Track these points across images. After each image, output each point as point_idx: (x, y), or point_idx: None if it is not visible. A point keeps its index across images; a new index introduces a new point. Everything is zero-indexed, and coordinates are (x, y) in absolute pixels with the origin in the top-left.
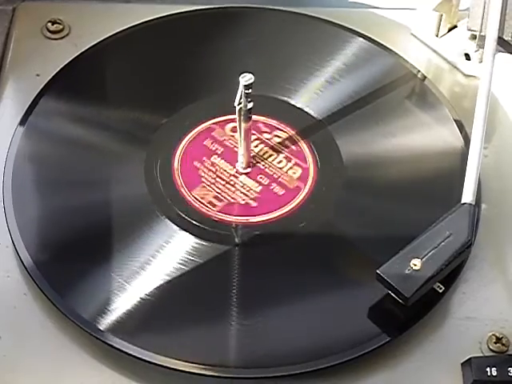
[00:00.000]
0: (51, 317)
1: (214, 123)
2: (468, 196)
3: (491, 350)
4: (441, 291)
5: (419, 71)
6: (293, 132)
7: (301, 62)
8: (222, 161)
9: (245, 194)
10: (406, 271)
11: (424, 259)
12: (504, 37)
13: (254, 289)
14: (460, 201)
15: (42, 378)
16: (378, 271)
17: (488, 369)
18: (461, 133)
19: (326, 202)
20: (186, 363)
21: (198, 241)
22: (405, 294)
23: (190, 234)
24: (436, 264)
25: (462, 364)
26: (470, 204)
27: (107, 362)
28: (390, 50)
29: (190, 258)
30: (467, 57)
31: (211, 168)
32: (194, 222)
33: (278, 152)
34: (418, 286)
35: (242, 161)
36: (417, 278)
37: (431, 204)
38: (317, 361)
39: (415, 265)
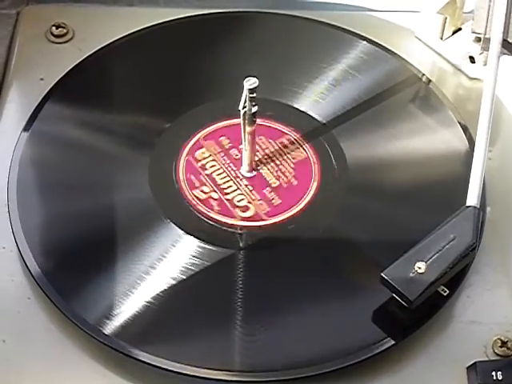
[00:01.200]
0: (55, 321)
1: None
2: (472, 199)
3: (496, 353)
4: (445, 294)
5: (423, 74)
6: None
7: (305, 66)
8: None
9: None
10: (411, 274)
11: (428, 262)
12: (509, 39)
13: (259, 293)
14: (464, 204)
15: (46, 381)
16: (382, 274)
17: (493, 373)
18: (465, 136)
19: (331, 206)
20: (191, 367)
21: (202, 245)
22: (409, 297)
23: (195, 237)
24: (440, 267)
25: (467, 368)
26: (475, 207)
27: (111, 366)
28: (394, 53)
29: (195, 262)
30: (471, 59)
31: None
32: (199, 226)
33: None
34: (423, 289)
35: (246, 165)
36: (421, 281)
37: (436, 207)
38: (321, 365)
39: (419, 268)
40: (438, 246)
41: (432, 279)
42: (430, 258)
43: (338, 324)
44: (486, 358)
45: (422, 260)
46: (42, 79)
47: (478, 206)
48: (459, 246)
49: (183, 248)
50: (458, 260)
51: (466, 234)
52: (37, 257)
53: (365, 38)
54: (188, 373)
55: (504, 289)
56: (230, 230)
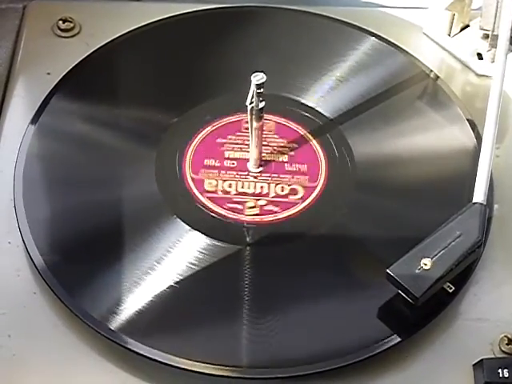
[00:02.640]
0: (61, 316)
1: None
2: (479, 196)
3: (503, 351)
4: (451, 291)
5: (431, 71)
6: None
7: (313, 62)
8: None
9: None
10: (416, 271)
11: (434, 259)
12: None
13: (265, 289)
14: (471, 201)
15: (51, 376)
16: (388, 271)
17: (500, 370)
18: (473, 132)
19: (338, 202)
20: (196, 363)
21: (208, 240)
22: (415, 293)
23: (201, 233)
24: (446, 264)
25: (474, 366)
26: (481, 204)
27: (117, 361)
28: (402, 49)
29: (201, 257)
30: (479, 56)
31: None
32: (205, 222)
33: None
34: (428, 285)
35: (253, 160)
36: (427, 277)
37: (443, 204)
38: (326, 362)
39: (425, 264)
40: (444, 242)
41: (438, 276)
42: (436, 254)
43: (343, 321)
44: (493, 356)
45: (428, 256)
46: (48, 73)
47: (485, 203)
48: (465, 243)
49: (189, 243)
50: (463, 257)
51: (472, 230)
52: (43, 252)
53: (373, 34)
54: (194, 369)
55: (511, 286)
56: (236, 225)
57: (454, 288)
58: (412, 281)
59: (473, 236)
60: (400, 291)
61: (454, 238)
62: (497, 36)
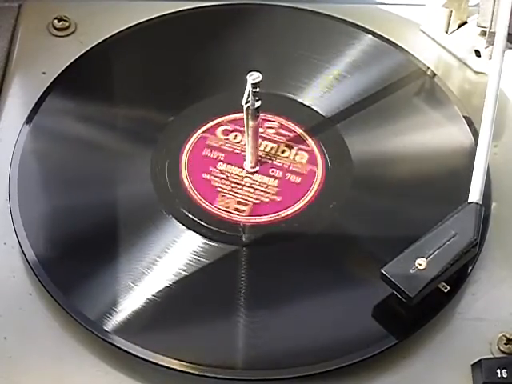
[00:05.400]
0: (56, 317)
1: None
2: (475, 195)
3: (501, 351)
4: (446, 291)
5: (428, 68)
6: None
7: (309, 60)
8: (229, 166)
9: (265, 191)
10: (411, 271)
11: (429, 259)
12: None
13: (260, 290)
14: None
15: (47, 378)
16: (382, 270)
17: (498, 370)
18: (470, 130)
19: (334, 201)
20: (192, 364)
21: (204, 241)
22: (409, 293)
23: (197, 233)
24: (441, 264)
25: (472, 365)
26: (477, 203)
27: (113, 362)
28: (399, 46)
29: (197, 258)
30: (477, 53)
31: (222, 176)
32: (201, 222)
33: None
34: (423, 285)
35: (249, 160)
36: (421, 277)
37: (440, 202)
38: (323, 363)
39: (420, 264)
40: (439, 242)
41: (432, 276)
42: (431, 254)
43: (340, 322)
44: (491, 356)
45: (423, 256)
46: (43, 73)
47: (480, 203)
48: (460, 243)
49: (185, 244)
50: (458, 256)
51: (468, 230)
52: (38, 253)
53: (370, 32)
54: (189, 371)
55: (509, 285)
56: (232, 225)
57: (449, 288)
58: (406, 281)
59: (468, 236)
60: (394, 291)
61: (449, 238)
62: (494, 33)
